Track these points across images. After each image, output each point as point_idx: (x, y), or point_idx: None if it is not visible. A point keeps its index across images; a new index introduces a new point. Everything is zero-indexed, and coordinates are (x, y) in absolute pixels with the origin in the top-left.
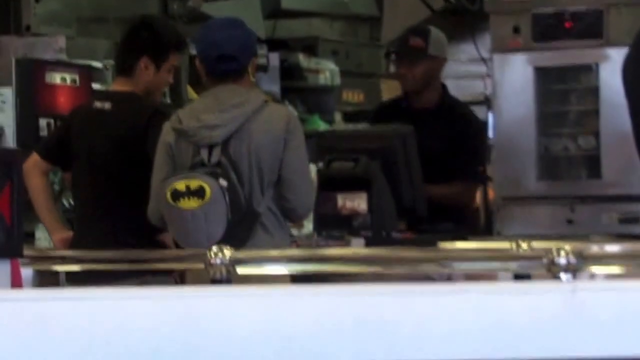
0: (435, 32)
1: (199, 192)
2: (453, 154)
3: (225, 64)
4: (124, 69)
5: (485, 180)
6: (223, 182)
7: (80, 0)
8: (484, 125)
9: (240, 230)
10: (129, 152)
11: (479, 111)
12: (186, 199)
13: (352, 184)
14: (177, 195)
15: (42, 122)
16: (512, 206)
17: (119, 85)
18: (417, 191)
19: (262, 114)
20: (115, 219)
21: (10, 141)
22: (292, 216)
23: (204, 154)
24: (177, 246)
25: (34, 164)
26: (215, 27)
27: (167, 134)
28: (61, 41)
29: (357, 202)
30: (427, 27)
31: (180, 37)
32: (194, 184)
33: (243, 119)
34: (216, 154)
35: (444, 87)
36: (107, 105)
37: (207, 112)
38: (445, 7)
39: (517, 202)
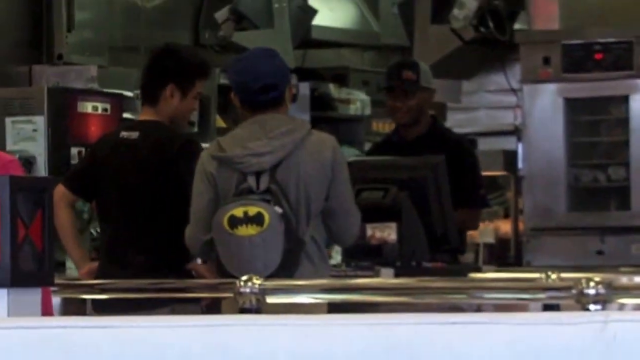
0: (423, 64)
1: (258, 219)
2: (453, 182)
3: (266, 94)
4: (149, 97)
5: (487, 205)
6: (278, 209)
7: (112, 30)
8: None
9: (288, 259)
10: (158, 181)
11: (508, 141)
12: (244, 226)
13: (381, 214)
14: (234, 222)
15: (74, 150)
16: (541, 237)
17: (145, 115)
18: (448, 221)
19: (309, 142)
20: (143, 248)
21: (41, 170)
22: (338, 243)
23: (251, 181)
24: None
25: (60, 196)
26: (252, 57)
27: (207, 161)
28: (93, 70)
29: (386, 232)
30: (414, 60)
31: (204, 63)
32: (252, 210)
33: (291, 146)
34: (264, 181)
35: (433, 117)
36: (134, 135)
37: (254, 139)
38: (476, 38)
39: (547, 232)
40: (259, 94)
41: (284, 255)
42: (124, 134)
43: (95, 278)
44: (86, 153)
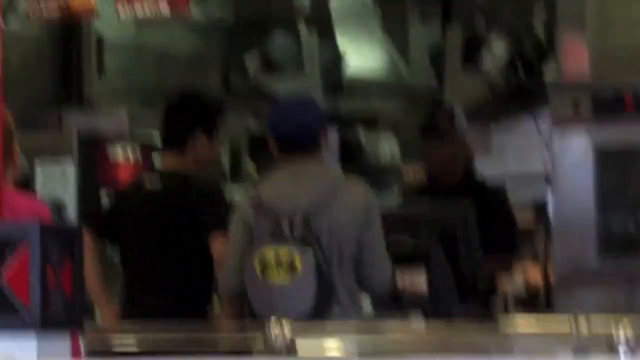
0: (457, 111)
1: (290, 264)
2: (487, 228)
3: (303, 139)
4: (175, 144)
5: (520, 250)
6: (310, 255)
7: (142, 75)
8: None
9: (321, 306)
10: (180, 227)
11: (538, 188)
12: (276, 270)
13: (410, 259)
14: (266, 266)
15: (103, 196)
16: (572, 284)
17: (169, 161)
18: (477, 266)
19: (342, 189)
20: (166, 293)
21: (71, 215)
22: (369, 291)
23: (285, 225)
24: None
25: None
26: (290, 102)
27: (242, 206)
28: (123, 116)
29: (415, 277)
30: (448, 107)
31: (223, 105)
32: (285, 255)
33: (325, 192)
34: (298, 227)
35: (467, 164)
36: (157, 182)
37: (288, 185)
38: (506, 84)
39: (577, 278)
40: (295, 139)
41: (315, 299)
42: (146, 180)
43: (118, 321)
44: (110, 199)
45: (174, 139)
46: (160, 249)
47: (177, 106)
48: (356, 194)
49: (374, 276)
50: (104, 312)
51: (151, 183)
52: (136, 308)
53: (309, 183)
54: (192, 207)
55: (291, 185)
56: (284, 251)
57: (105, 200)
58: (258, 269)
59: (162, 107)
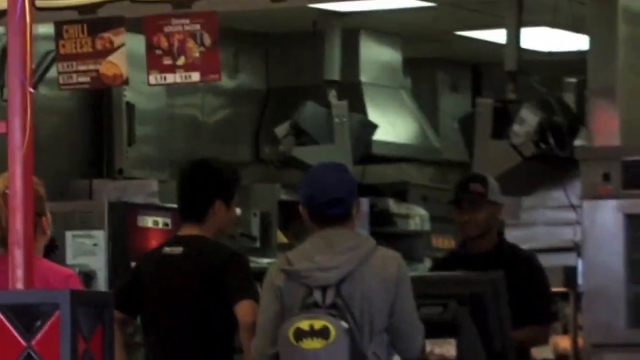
0: (492, 179)
1: (323, 333)
2: (522, 298)
3: (335, 208)
4: (194, 214)
5: (557, 320)
6: (344, 324)
7: (173, 144)
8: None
9: None
10: (203, 296)
11: (568, 258)
12: (310, 339)
13: (440, 329)
14: (300, 335)
15: (133, 265)
16: (601, 353)
17: (188, 230)
18: (506, 337)
19: (374, 258)
20: None
21: (101, 284)
22: (402, 358)
23: (317, 295)
24: None
25: None
26: (321, 171)
27: (275, 274)
28: (154, 185)
29: (445, 348)
30: (482, 174)
31: (237, 172)
32: (318, 324)
33: (357, 261)
34: (330, 296)
35: (499, 232)
36: (177, 250)
37: (320, 254)
38: (536, 154)
39: (607, 349)
40: (327, 208)
41: None
42: (166, 249)
43: None
44: (130, 270)
45: (193, 210)
46: (181, 316)
47: (195, 176)
48: (388, 264)
49: (405, 344)
50: None
51: (170, 248)
52: None
53: (341, 252)
54: (214, 273)
55: (323, 254)
56: (318, 319)
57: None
58: (292, 339)
59: (177, 179)
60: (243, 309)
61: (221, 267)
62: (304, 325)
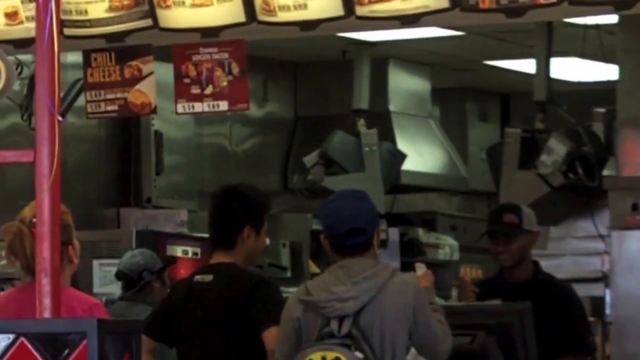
0: (526, 208)
1: None
2: (559, 328)
3: (354, 238)
4: (225, 241)
5: (594, 350)
6: (358, 355)
7: (201, 173)
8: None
9: None
10: (232, 323)
11: (596, 288)
12: None
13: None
14: None
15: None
16: None
17: (219, 257)
18: None
19: (391, 285)
20: None
21: None
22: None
23: (334, 325)
24: None
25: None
26: (340, 200)
27: (293, 305)
28: (183, 214)
29: None
30: (516, 203)
31: (267, 198)
32: (330, 355)
33: (375, 291)
34: (346, 326)
35: (535, 262)
36: (208, 278)
37: (338, 284)
38: (564, 184)
39: None
40: (346, 238)
41: None
42: (197, 277)
43: None
44: (163, 299)
45: (223, 237)
46: (211, 343)
47: (224, 202)
48: (404, 289)
49: (430, 354)
50: None
51: (201, 276)
52: None
53: (359, 282)
54: (241, 299)
55: (343, 284)
56: (331, 354)
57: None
58: None
59: (209, 206)
60: (270, 337)
61: (249, 293)
62: (316, 357)
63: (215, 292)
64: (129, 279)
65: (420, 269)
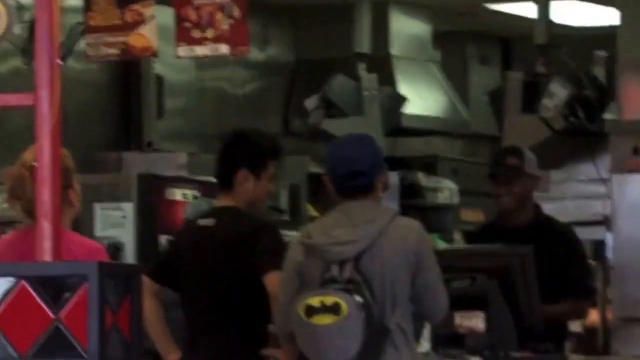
0: (528, 151)
1: (334, 308)
2: (560, 271)
3: (355, 180)
4: (224, 184)
5: (595, 295)
6: (358, 299)
7: (202, 117)
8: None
9: (371, 348)
10: (232, 267)
11: (597, 231)
12: (321, 315)
13: (469, 303)
14: (311, 311)
15: (162, 238)
16: (630, 327)
17: (222, 201)
18: (535, 310)
19: (393, 230)
20: (218, 334)
21: (130, 257)
22: (427, 321)
23: (334, 270)
24: None
25: (143, 285)
26: (344, 143)
27: (295, 249)
28: (183, 157)
29: (474, 321)
30: (518, 147)
31: (275, 145)
32: (329, 300)
33: (375, 234)
34: (347, 270)
35: (537, 206)
36: (210, 222)
37: (338, 227)
38: (566, 127)
39: (635, 322)
40: (347, 180)
41: (367, 343)
42: (201, 221)
43: None
44: (168, 243)
45: (222, 180)
46: (211, 287)
47: (226, 145)
48: (407, 234)
49: (429, 309)
50: (166, 356)
51: (204, 220)
52: (191, 350)
53: (361, 225)
54: (245, 243)
55: (343, 228)
56: (329, 296)
57: (165, 241)
58: (303, 315)
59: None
60: (271, 281)
61: (250, 237)
62: (315, 302)
63: (217, 236)
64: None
65: None
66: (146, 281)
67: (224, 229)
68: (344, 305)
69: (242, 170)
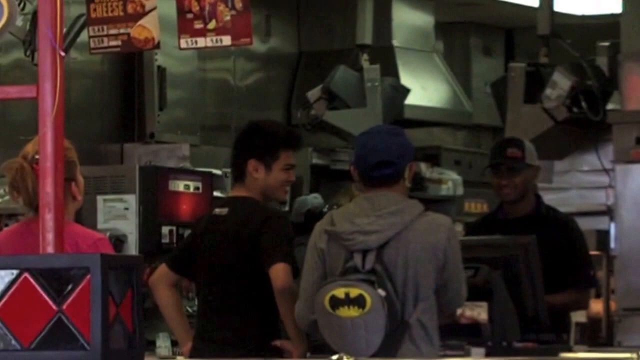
0: (528, 142)
1: (359, 301)
2: (561, 262)
3: (384, 170)
4: (237, 174)
5: (597, 284)
6: (381, 292)
7: (204, 108)
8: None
9: (390, 342)
10: (243, 257)
11: (601, 221)
12: (346, 307)
13: (472, 293)
14: (336, 302)
15: (165, 229)
16: (633, 317)
17: (236, 191)
18: (539, 301)
19: (420, 224)
20: (229, 324)
21: (132, 248)
22: (443, 310)
23: (357, 259)
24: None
25: (162, 275)
26: (374, 133)
27: (318, 235)
28: (185, 149)
29: (477, 312)
30: (519, 138)
31: (291, 135)
32: (354, 292)
33: (400, 227)
34: (370, 260)
35: (537, 196)
36: (224, 211)
37: (362, 216)
38: (569, 118)
39: (639, 313)
40: (373, 169)
41: (385, 336)
42: (216, 210)
43: (189, 355)
44: (189, 232)
45: (235, 170)
46: (224, 277)
47: (239, 135)
48: (436, 230)
49: (450, 300)
50: (183, 344)
51: (219, 209)
52: (203, 340)
53: (386, 216)
54: (252, 234)
55: (368, 217)
56: (353, 287)
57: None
58: (328, 306)
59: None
60: (275, 273)
61: (258, 228)
62: (340, 293)
63: (228, 226)
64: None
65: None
66: (165, 271)
67: (235, 219)
68: (368, 298)
69: (252, 161)
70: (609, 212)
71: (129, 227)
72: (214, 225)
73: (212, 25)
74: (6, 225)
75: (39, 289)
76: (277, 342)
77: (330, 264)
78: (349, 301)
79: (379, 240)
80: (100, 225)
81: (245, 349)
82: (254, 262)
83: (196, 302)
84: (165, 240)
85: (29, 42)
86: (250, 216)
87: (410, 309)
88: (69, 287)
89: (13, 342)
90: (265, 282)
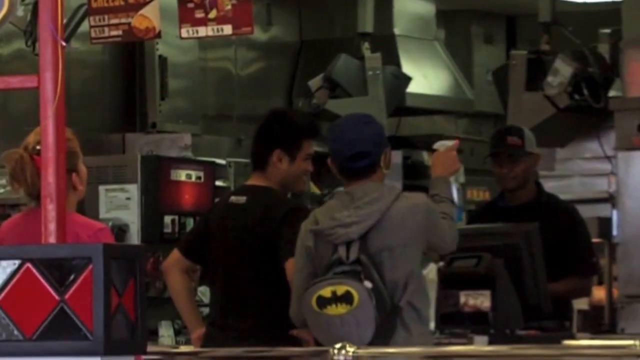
0: (527, 130)
1: (347, 298)
2: (562, 249)
3: (359, 161)
4: (258, 163)
5: (598, 272)
6: (368, 284)
7: (205, 98)
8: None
9: (383, 328)
10: (261, 246)
11: (602, 209)
12: (333, 305)
13: (475, 282)
14: (323, 302)
15: (167, 219)
16: (636, 304)
17: (255, 180)
18: (541, 289)
19: (398, 208)
20: (244, 313)
21: (134, 238)
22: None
23: (341, 251)
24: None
25: (174, 261)
26: (346, 124)
27: (305, 234)
28: (187, 138)
29: (480, 300)
30: (518, 126)
31: (311, 124)
32: (341, 289)
33: (379, 214)
34: (354, 251)
35: (538, 184)
36: (242, 200)
37: (341, 210)
38: (570, 105)
39: None
40: (351, 161)
41: (379, 325)
42: (233, 198)
43: (202, 342)
44: (200, 219)
45: (257, 159)
46: (240, 265)
47: (262, 125)
48: (414, 211)
49: (437, 245)
50: (192, 330)
51: (236, 197)
52: (216, 328)
53: (363, 206)
54: (271, 226)
55: (347, 211)
56: (340, 285)
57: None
58: (315, 306)
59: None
60: (290, 266)
61: (278, 221)
62: (326, 292)
63: (246, 215)
64: None
65: (443, 146)
66: (177, 256)
67: (253, 208)
68: (355, 294)
69: (277, 151)
70: (610, 199)
71: (131, 217)
72: (231, 214)
73: (213, 14)
74: (8, 215)
75: (41, 279)
76: (295, 332)
77: (318, 260)
78: (336, 299)
79: (360, 230)
80: (102, 215)
81: (264, 337)
82: (274, 252)
83: (199, 289)
84: (168, 229)
85: (30, 32)
86: (272, 207)
87: (400, 292)
88: (71, 277)
89: (15, 332)
90: (284, 272)
